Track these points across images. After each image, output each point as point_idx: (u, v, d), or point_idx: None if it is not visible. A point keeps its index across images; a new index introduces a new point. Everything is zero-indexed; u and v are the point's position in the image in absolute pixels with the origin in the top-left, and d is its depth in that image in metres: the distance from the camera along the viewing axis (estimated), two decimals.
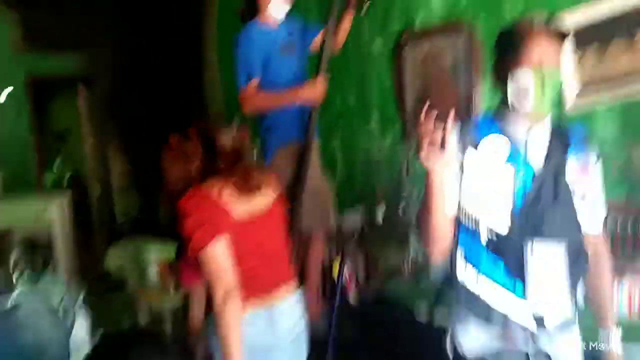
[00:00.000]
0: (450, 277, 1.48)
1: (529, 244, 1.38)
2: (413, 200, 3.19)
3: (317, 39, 2.88)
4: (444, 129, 1.25)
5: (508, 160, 1.41)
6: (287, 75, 2.73)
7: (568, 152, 1.44)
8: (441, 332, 2.10)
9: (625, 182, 2.48)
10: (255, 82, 2.66)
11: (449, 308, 1.53)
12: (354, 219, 3.22)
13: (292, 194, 2.73)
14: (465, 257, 1.45)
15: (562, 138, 1.46)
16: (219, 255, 1.61)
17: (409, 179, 3.24)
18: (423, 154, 1.27)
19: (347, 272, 2.95)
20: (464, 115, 3.05)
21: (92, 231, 5.93)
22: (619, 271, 2.19)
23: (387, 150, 3.54)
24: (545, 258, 1.39)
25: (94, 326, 2.54)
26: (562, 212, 1.40)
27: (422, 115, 1.26)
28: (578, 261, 1.42)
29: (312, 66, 2.83)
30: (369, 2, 2.71)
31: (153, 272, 3.04)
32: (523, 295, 1.40)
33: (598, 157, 1.48)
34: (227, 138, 1.77)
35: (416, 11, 3.30)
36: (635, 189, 2.47)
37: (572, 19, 2.53)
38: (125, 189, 6.01)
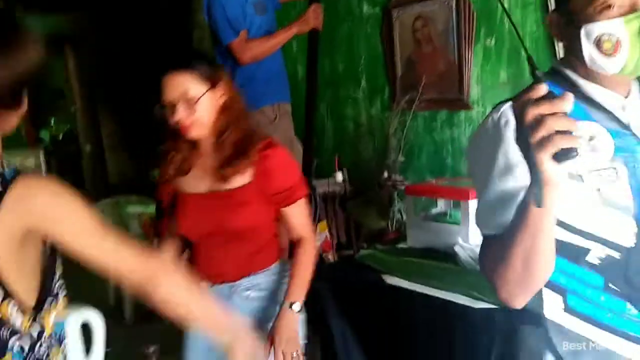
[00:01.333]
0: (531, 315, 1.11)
1: None
2: (397, 167, 3.19)
3: None
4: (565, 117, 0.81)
5: (615, 154, 1.02)
6: (262, 34, 2.72)
7: None
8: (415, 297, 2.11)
9: None
10: (244, 33, 2.63)
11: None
12: (336, 183, 3.22)
13: None
14: (562, 288, 1.08)
15: None
16: None
17: (396, 147, 3.23)
18: (548, 151, 0.81)
19: (327, 235, 2.97)
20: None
21: (83, 188, 5.97)
22: None
23: (375, 117, 3.51)
24: None
25: None
26: None
27: (537, 91, 0.82)
28: None
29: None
30: None
31: (135, 227, 3.08)
32: None
33: None
34: None
35: None
36: None
37: None
38: (115, 149, 6.01)
